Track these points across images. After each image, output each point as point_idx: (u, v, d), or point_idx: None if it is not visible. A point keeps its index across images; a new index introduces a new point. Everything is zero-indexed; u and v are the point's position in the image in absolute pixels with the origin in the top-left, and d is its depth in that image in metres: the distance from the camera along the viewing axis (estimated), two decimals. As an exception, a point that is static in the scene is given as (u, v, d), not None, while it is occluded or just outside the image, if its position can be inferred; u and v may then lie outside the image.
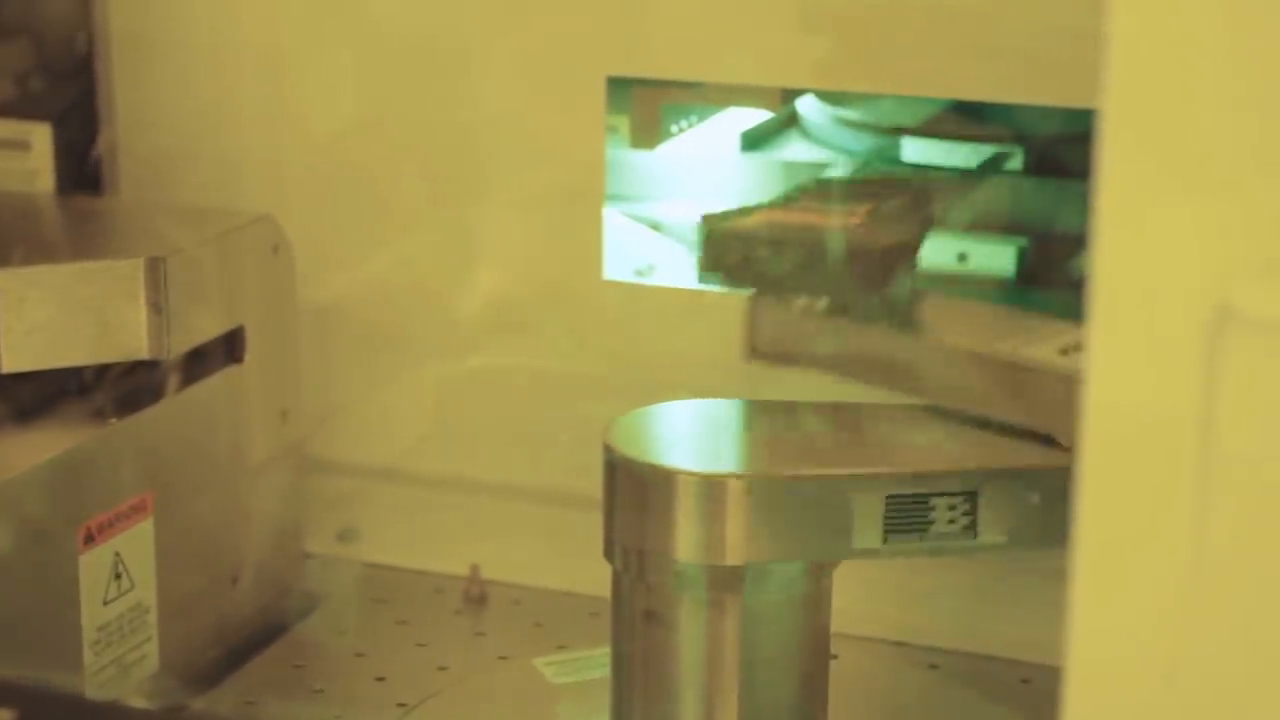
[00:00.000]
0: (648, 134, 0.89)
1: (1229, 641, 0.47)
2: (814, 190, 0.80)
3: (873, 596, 0.86)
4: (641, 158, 0.90)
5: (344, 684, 0.84)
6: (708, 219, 0.81)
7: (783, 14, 0.87)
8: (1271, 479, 0.46)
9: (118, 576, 0.78)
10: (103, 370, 0.81)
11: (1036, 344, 0.65)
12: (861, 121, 0.86)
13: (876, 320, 0.68)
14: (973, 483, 0.66)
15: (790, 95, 0.88)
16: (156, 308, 0.78)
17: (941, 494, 0.66)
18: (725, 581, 0.68)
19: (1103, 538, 0.48)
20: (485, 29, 0.92)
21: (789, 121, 0.88)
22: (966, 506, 0.66)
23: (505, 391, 0.93)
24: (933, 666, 0.84)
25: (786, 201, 0.79)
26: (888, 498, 0.66)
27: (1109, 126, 0.46)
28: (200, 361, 0.83)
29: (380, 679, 0.84)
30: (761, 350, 0.68)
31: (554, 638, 0.87)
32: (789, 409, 0.70)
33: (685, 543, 0.66)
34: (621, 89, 0.89)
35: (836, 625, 0.83)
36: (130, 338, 0.78)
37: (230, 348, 0.85)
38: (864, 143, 0.85)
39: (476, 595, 0.91)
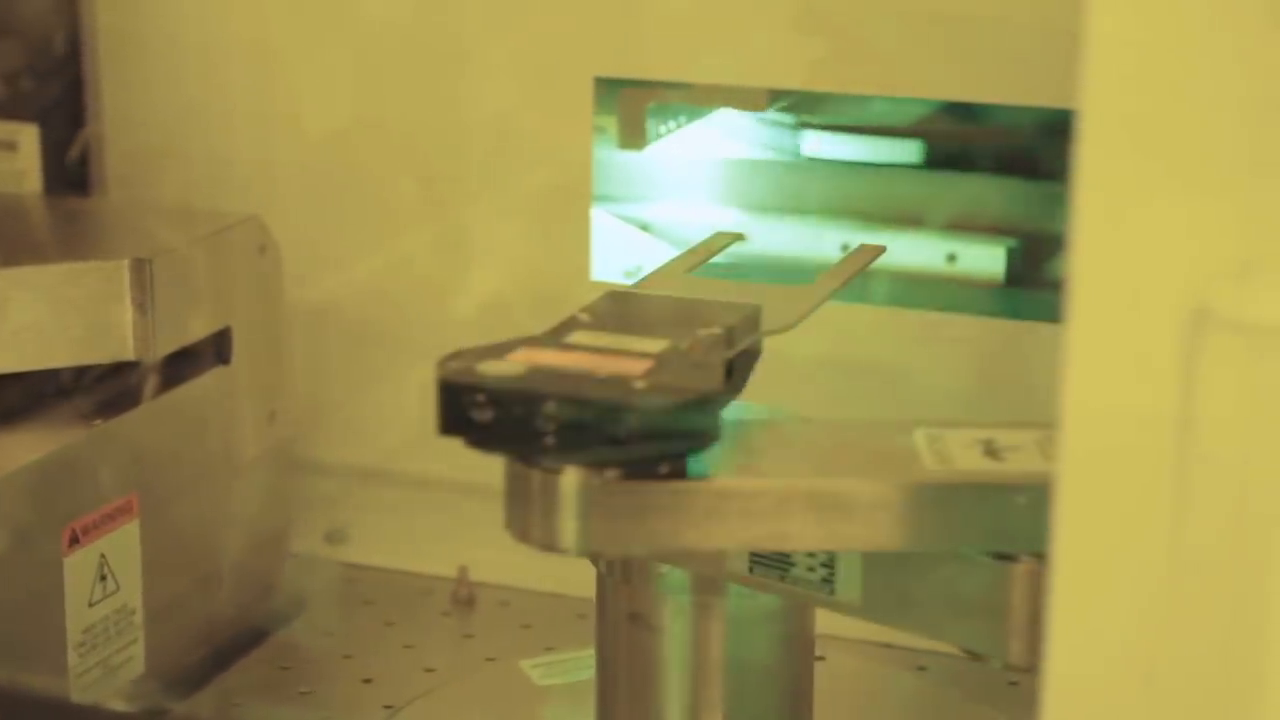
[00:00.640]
0: (635, 135, 0.89)
1: (1208, 642, 0.47)
2: (604, 313, 0.67)
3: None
4: (630, 159, 0.90)
5: (331, 686, 0.84)
6: (444, 364, 0.61)
7: (770, 15, 0.87)
8: (1249, 481, 0.46)
9: (103, 578, 0.78)
10: (89, 371, 0.81)
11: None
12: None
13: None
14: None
15: (777, 96, 0.87)
16: (142, 309, 0.78)
17: None
18: (710, 584, 0.68)
19: (1081, 539, 0.48)
20: (476, 29, 0.91)
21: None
22: (825, 559, 0.64)
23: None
24: (920, 668, 0.84)
25: (558, 334, 0.64)
26: None
27: (1087, 128, 0.46)
28: (187, 363, 0.83)
29: (367, 680, 0.83)
30: (539, 541, 0.61)
31: (542, 639, 0.87)
32: None
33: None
34: (610, 90, 0.89)
35: (823, 626, 0.82)
36: (116, 339, 0.78)
37: (217, 349, 0.84)
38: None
39: (464, 597, 0.91)
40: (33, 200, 0.90)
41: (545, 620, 0.88)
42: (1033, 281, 0.87)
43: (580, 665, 0.81)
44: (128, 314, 0.78)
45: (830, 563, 0.63)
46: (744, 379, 0.64)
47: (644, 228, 0.91)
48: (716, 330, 0.63)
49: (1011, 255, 0.88)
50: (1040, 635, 0.48)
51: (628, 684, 0.70)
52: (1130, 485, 0.47)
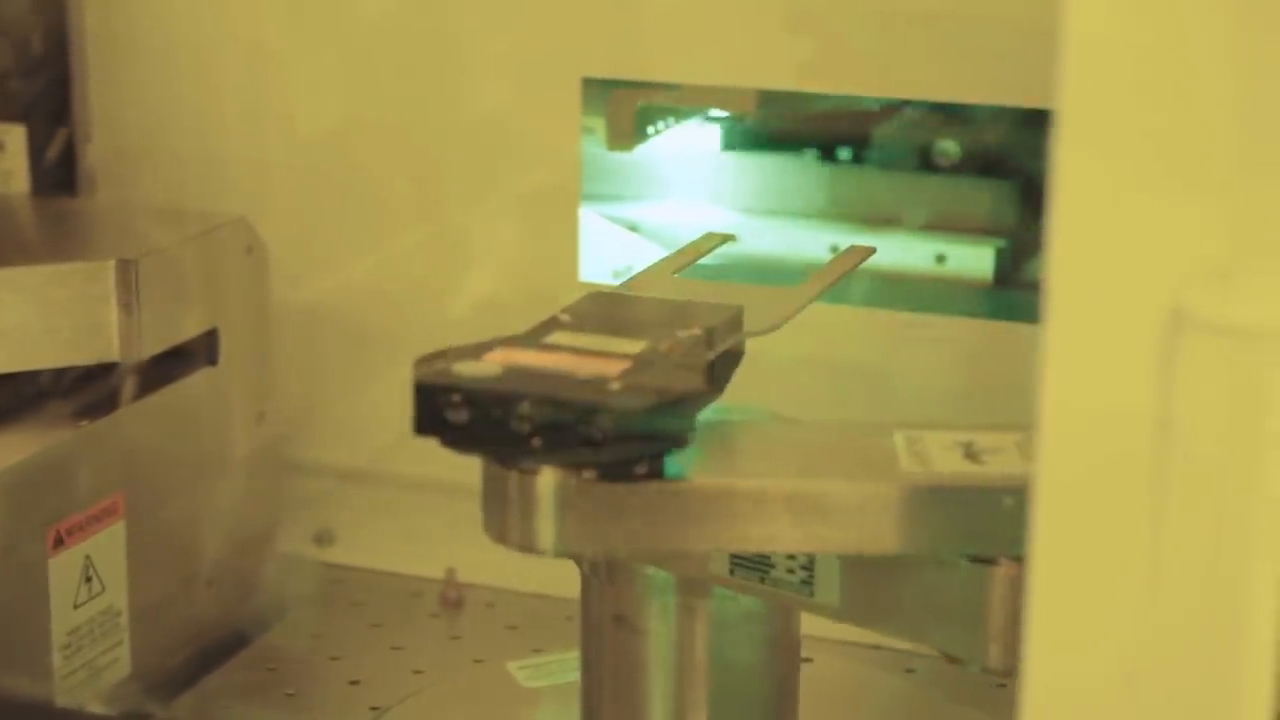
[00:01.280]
0: (624, 135, 0.89)
1: (1187, 644, 0.47)
2: (585, 313, 0.66)
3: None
4: (619, 159, 0.90)
5: (317, 687, 0.83)
6: (420, 365, 0.61)
7: (759, 16, 0.86)
8: (1227, 482, 0.46)
9: (88, 580, 0.78)
10: (75, 372, 0.80)
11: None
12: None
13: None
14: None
15: (766, 97, 0.87)
16: (128, 309, 0.78)
17: None
18: (693, 585, 0.67)
19: (1059, 541, 0.47)
20: (468, 29, 0.91)
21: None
22: (805, 561, 0.64)
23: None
24: (909, 670, 0.84)
25: (537, 335, 0.64)
26: None
27: (1064, 130, 0.45)
28: (175, 363, 0.83)
29: (354, 682, 0.83)
30: (516, 542, 0.61)
31: (529, 641, 0.87)
32: None
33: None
34: (600, 90, 0.89)
35: (811, 628, 0.82)
36: (102, 340, 0.78)
37: (205, 349, 0.84)
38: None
39: (453, 598, 0.90)
40: (19, 200, 0.90)
41: (533, 622, 0.88)
42: (1022, 282, 0.87)
43: (567, 667, 0.80)
44: (113, 315, 0.78)
45: (810, 565, 0.63)
46: (725, 380, 0.64)
47: (633, 228, 0.91)
48: (697, 331, 0.62)
49: (1000, 256, 0.88)
50: (1019, 639, 0.48)
51: (613, 686, 0.70)
52: (1108, 487, 0.47)
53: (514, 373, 0.59)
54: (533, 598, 0.90)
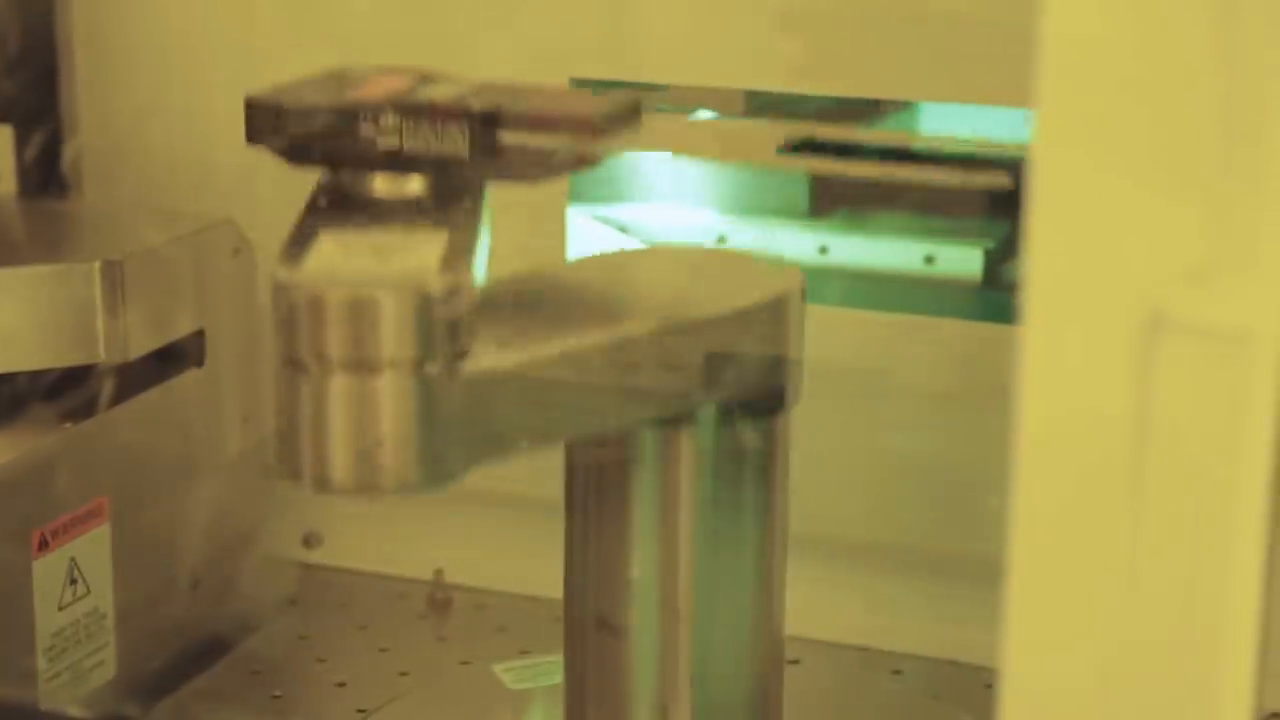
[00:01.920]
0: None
1: (1164, 645, 0.47)
2: None
3: (836, 601, 0.86)
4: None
5: (303, 689, 0.83)
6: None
7: (749, 17, 0.86)
8: (1205, 484, 0.45)
9: (73, 582, 0.78)
10: (60, 374, 0.80)
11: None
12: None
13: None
14: None
15: (755, 98, 0.87)
16: (113, 311, 0.78)
17: None
18: (678, 588, 0.67)
19: (1037, 543, 0.47)
20: (458, 29, 0.91)
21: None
22: None
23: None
24: (896, 672, 0.84)
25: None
26: None
27: (1042, 131, 0.45)
28: (161, 365, 0.83)
29: (340, 684, 0.83)
30: None
31: (517, 643, 0.86)
32: None
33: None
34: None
35: (799, 629, 0.82)
36: (87, 342, 0.78)
37: (191, 351, 0.84)
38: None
39: (440, 600, 0.90)
40: (4, 201, 0.90)
41: (521, 623, 0.88)
42: (1011, 283, 0.87)
43: (553, 669, 0.80)
44: (98, 316, 0.78)
45: None
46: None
47: (621, 229, 0.91)
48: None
49: (989, 257, 0.88)
50: None
51: (596, 689, 0.70)
52: (1087, 488, 0.46)
53: None
54: (522, 599, 0.90)
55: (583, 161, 0.63)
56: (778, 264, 0.81)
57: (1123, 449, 0.46)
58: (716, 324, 0.66)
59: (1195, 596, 0.46)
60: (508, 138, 0.62)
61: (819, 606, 0.85)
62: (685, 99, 0.88)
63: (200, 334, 0.84)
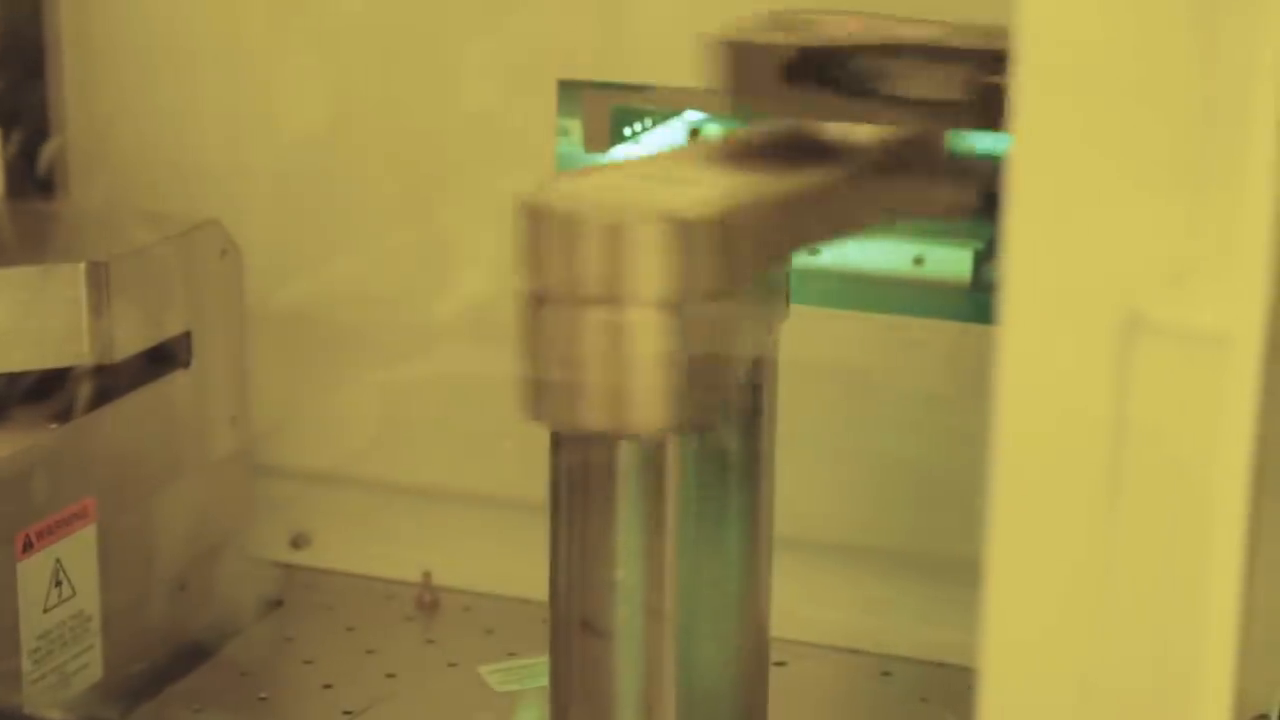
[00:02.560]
0: (599, 137, 0.89)
1: (1142, 648, 0.46)
2: None
3: (825, 603, 0.86)
4: (596, 161, 0.90)
5: (290, 691, 0.83)
6: None
7: (736, 16, 0.86)
8: (1183, 485, 0.45)
9: (58, 584, 0.77)
10: (46, 374, 0.80)
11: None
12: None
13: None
14: None
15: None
16: (98, 312, 0.78)
17: None
18: (662, 590, 0.67)
19: (1015, 545, 0.47)
20: (448, 30, 0.91)
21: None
22: None
23: (459, 397, 0.93)
24: (885, 674, 0.84)
25: None
26: None
27: (1020, 133, 0.45)
28: (148, 366, 0.83)
29: (327, 686, 0.83)
30: None
31: (504, 645, 0.86)
32: None
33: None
34: (579, 92, 0.89)
35: (789, 631, 0.82)
36: (72, 343, 0.78)
37: (178, 352, 0.84)
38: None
39: (428, 602, 0.90)
40: (-10, 203, 0.90)
41: (509, 625, 0.88)
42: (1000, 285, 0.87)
43: (540, 671, 0.80)
44: (84, 317, 0.78)
45: None
46: None
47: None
48: None
49: (978, 258, 0.88)
50: None
51: (581, 692, 0.69)
52: (1065, 489, 0.46)
53: None
54: (510, 601, 0.89)
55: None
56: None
57: (1101, 450, 0.46)
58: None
59: (1174, 597, 0.46)
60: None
61: (808, 608, 0.85)
62: (672, 99, 0.88)
63: (187, 335, 0.84)
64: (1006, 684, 0.48)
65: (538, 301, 0.55)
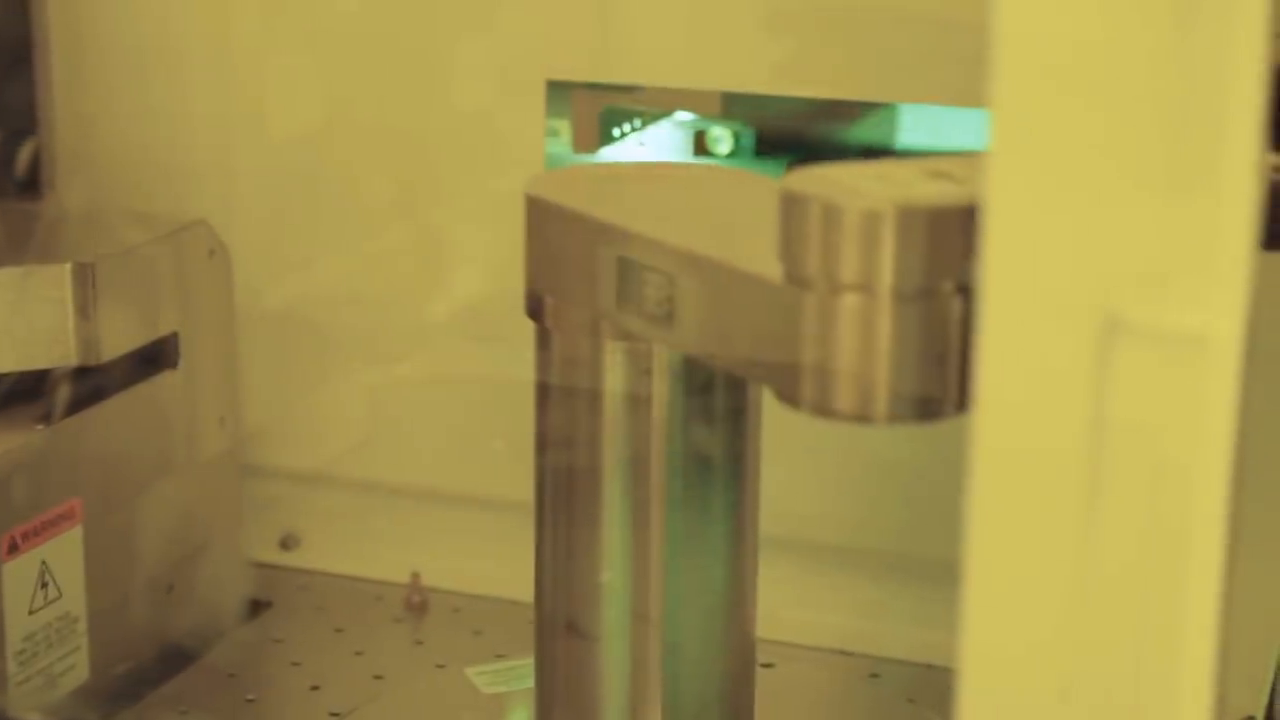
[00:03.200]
0: (588, 138, 0.88)
1: (1122, 650, 0.46)
2: None
3: (815, 604, 0.86)
4: (584, 161, 0.89)
5: (277, 693, 0.83)
6: None
7: (725, 18, 0.86)
8: (1161, 489, 0.45)
9: (44, 585, 0.77)
10: (33, 376, 0.80)
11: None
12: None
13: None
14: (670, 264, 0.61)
15: (731, 100, 0.87)
16: (84, 313, 0.78)
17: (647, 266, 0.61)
18: (648, 592, 0.67)
19: (994, 549, 0.47)
20: (440, 30, 0.91)
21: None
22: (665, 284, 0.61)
23: (449, 397, 0.93)
24: (874, 675, 0.84)
25: None
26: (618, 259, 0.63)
27: (997, 136, 0.45)
28: (134, 367, 0.82)
29: (315, 688, 0.83)
30: None
31: (494, 646, 0.86)
32: None
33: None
34: (568, 93, 0.89)
35: (777, 633, 0.82)
36: (58, 344, 0.78)
37: (165, 353, 0.84)
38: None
39: (417, 603, 0.90)
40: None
41: (497, 627, 0.88)
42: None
43: (527, 673, 0.80)
44: (69, 319, 0.77)
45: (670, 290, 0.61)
46: None
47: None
48: None
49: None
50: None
51: (565, 694, 0.69)
52: (1043, 490, 0.46)
53: None
54: (498, 602, 0.89)
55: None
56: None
57: (1081, 452, 0.46)
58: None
59: (1154, 599, 0.46)
60: None
61: (796, 610, 0.85)
62: (661, 100, 0.88)
63: (175, 336, 0.83)
64: (985, 686, 0.48)
65: (799, 287, 0.55)
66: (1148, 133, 0.44)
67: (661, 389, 0.66)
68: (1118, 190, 0.45)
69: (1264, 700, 0.78)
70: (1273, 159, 0.51)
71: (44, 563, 0.77)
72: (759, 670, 0.71)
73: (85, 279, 0.77)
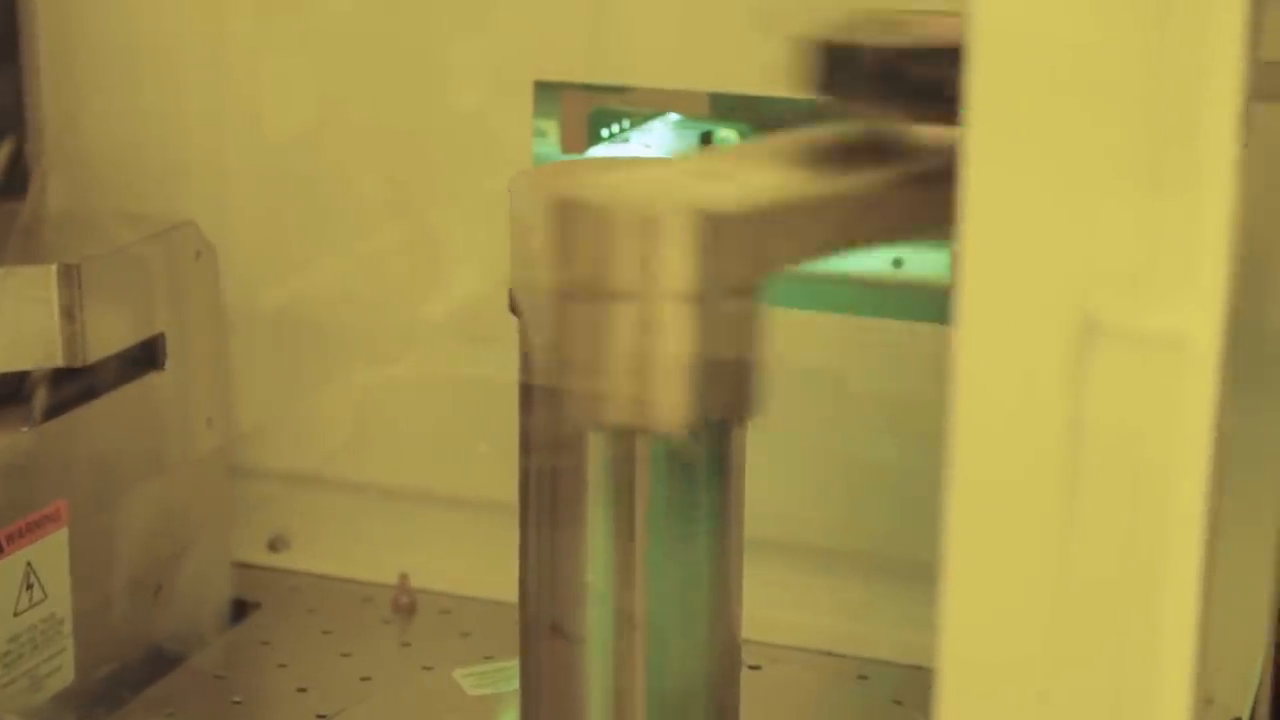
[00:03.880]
0: (576, 138, 0.88)
1: (1101, 657, 0.46)
2: None
3: (801, 606, 0.85)
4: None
5: (264, 694, 0.83)
6: None
7: (715, 19, 0.86)
8: (1140, 491, 0.45)
9: (29, 587, 0.77)
10: (18, 377, 0.80)
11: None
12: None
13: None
14: None
15: (719, 100, 0.87)
16: (70, 314, 0.77)
17: None
18: (632, 594, 0.67)
19: (972, 553, 0.47)
20: (432, 31, 0.91)
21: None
22: None
23: (439, 399, 0.92)
24: (862, 677, 0.83)
25: None
26: None
27: (973, 136, 0.45)
28: (121, 368, 0.82)
29: (301, 690, 0.83)
30: None
31: (482, 648, 0.86)
32: None
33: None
34: (557, 93, 0.89)
35: (765, 635, 0.82)
36: (44, 345, 0.78)
37: (152, 354, 0.84)
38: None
39: (405, 604, 0.90)
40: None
41: (486, 628, 0.88)
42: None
43: (512, 675, 0.80)
44: (55, 320, 0.77)
45: None
46: None
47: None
48: None
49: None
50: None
51: (550, 696, 0.69)
52: (1021, 492, 0.46)
53: None
54: (487, 604, 0.89)
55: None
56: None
57: (1059, 454, 0.45)
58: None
59: (1133, 601, 0.46)
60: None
61: (783, 612, 0.84)
62: (650, 101, 0.87)
63: (162, 336, 0.83)
64: (964, 687, 0.48)
65: (565, 297, 0.54)
66: (1125, 133, 0.44)
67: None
68: (1095, 191, 0.44)
69: (1249, 701, 0.78)
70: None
71: (29, 564, 0.77)
72: (746, 672, 0.71)
73: (71, 280, 0.77)
